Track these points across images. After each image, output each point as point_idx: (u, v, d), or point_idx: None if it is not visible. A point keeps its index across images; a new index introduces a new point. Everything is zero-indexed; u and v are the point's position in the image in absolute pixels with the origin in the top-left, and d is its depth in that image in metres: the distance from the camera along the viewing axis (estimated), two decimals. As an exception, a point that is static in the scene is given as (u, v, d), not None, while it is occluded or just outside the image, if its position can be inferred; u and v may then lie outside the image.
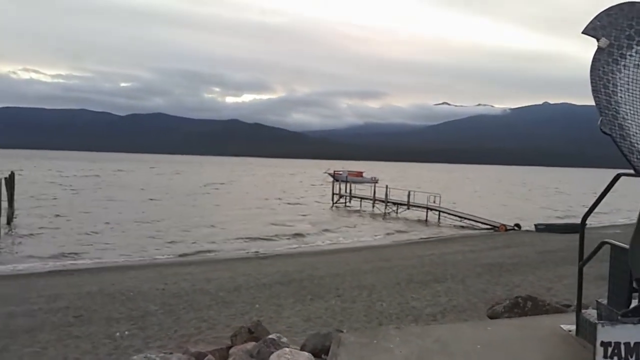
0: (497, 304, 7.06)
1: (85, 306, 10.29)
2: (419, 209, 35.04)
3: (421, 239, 26.11)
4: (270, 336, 4.87)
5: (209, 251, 21.28)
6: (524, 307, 6.63)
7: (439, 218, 33.33)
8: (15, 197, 28.56)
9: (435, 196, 34.22)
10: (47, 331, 8.53)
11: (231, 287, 12.27)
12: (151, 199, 43.60)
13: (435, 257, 17.27)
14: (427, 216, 33.83)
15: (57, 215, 30.99)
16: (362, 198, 41.39)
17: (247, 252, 21.00)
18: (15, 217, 27.67)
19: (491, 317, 6.68)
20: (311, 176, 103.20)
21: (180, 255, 20.02)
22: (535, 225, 28.26)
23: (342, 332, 5.24)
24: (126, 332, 8.28)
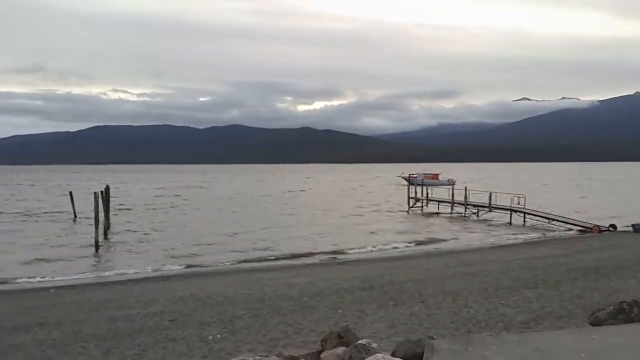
0: (599, 311, 6.57)
1: (179, 311, 10.88)
2: (502, 211, 33.54)
3: (506, 243, 24.95)
4: (360, 342, 4.87)
5: (277, 257, 21.69)
6: (630, 313, 6.13)
7: (524, 220, 31.70)
8: (111, 209, 30.88)
9: (519, 197, 32.60)
10: (146, 334, 9.12)
11: (313, 293, 12.43)
12: (234, 209, 45.18)
13: (523, 262, 16.43)
14: (511, 219, 32.29)
15: (151, 226, 33.05)
16: (439, 201, 40.36)
17: (326, 258, 21.17)
18: (111, 228, 29.90)
19: (593, 325, 6.24)
20: (385, 181, 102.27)
21: (257, 261, 20.60)
22: (634, 225, 26.02)
23: (433, 339, 5.13)
24: (218, 336, 8.65)
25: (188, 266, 19.92)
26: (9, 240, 27.06)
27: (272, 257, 21.60)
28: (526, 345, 4.55)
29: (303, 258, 21.31)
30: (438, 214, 38.58)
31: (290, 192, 69.17)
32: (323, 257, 21.32)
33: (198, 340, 8.51)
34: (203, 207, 46.22)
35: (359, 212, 40.49)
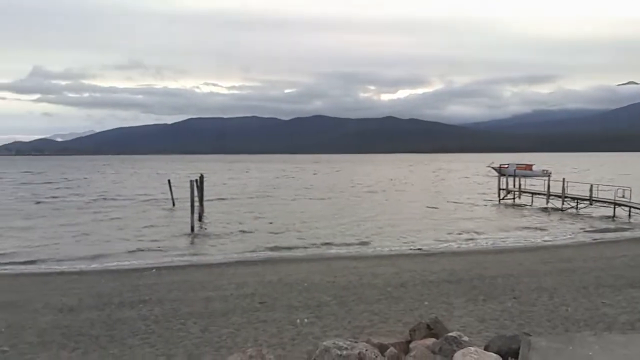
0: None
1: (268, 294, 11.33)
2: (605, 204, 30.98)
3: (609, 238, 23.04)
4: (450, 334, 4.77)
5: (362, 244, 21.68)
6: None
7: (629, 214, 29.07)
8: (205, 196, 32.68)
9: (624, 189, 29.90)
10: (239, 314, 9.60)
11: (398, 283, 12.35)
12: (325, 198, 45.71)
13: (629, 259, 15.10)
14: (614, 213, 29.74)
15: (242, 214, 34.60)
16: (533, 193, 38.12)
17: (411, 249, 20.89)
18: (204, 214, 31.67)
19: None
20: (473, 171, 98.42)
21: (340, 248, 20.79)
22: None
23: (529, 335, 4.90)
24: (305, 320, 8.91)
25: (275, 251, 20.63)
26: (116, 224, 29.63)
27: (356, 245, 21.71)
28: (634, 346, 4.21)
29: (387, 248, 21.19)
30: (531, 206, 36.48)
31: (377, 182, 68.43)
32: (407, 248, 21.06)
33: (287, 322, 8.81)
34: (292, 196, 47.33)
35: (447, 203, 39.36)
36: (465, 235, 24.21)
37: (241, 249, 21.32)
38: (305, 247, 21.47)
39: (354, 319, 9.09)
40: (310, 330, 8.37)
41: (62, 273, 16.80)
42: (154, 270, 16.48)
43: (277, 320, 9.04)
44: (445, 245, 21.75)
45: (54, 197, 47.24)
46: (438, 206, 37.39)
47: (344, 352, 3.90)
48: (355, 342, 4.35)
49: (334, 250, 20.71)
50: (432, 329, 5.23)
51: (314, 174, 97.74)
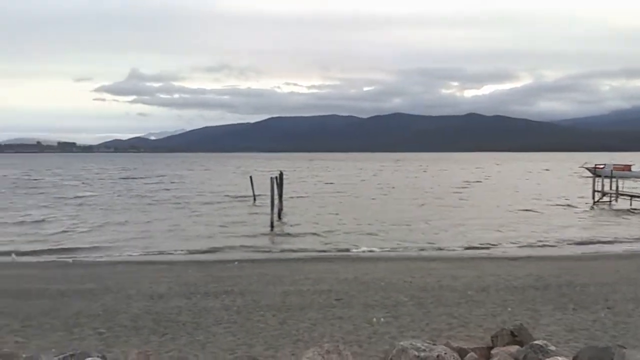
0: None
1: (344, 291, 11.39)
2: None
3: None
4: (536, 342, 4.52)
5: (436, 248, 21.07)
6: None
7: None
8: (284, 193, 33.50)
9: None
10: (315, 310, 9.75)
11: (479, 287, 11.90)
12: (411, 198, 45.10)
13: None
14: None
15: (320, 211, 35.10)
16: (632, 196, 35.01)
17: (495, 252, 20.04)
18: (284, 211, 32.48)
19: None
20: (565, 171, 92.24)
21: (418, 249, 20.38)
22: None
23: (624, 348, 4.52)
24: (382, 319, 8.86)
25: (351, 249, 20.69)
26: (202, 219, 31.28)
27: (435, 247, 21.21)
28: None
29: (468, 250, 20.50)
30: (631, 210, 33.53)
31: (461, 181, 65.57)
32: (491, 251, 20.23)
33: (363, 321, 8.82)
34: (373, 195, 47.11)
35: (536, 205, 37.12)
36: (553, 239, 22.80)
37: (318, 246, 21.62)
38: (382, 246, 21.33)
39: (431, 321, 8.90)
40: (386, 329, 8.31)
41: (152, 262, 18.01)
42: (236, 263, 17.18)
43: (353, 317, 9.07)
44: (532, 249, 20.63)
45: (148, 192, 50.71)
46: (527, 208, 35.35)
47: (422, 354, 3.83)
48: (434, 344, 4.26)
49: (411, 251, 20.39)
50: (516, 336, 4.99)
51: (395, 171, 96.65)
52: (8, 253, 20.19)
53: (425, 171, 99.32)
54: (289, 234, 25.44)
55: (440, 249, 20.85)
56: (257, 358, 4.98)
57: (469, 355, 4.46)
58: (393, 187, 55.37)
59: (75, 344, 7.54)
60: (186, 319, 9.21)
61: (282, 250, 21.00)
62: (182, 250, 20.81)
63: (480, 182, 65.14)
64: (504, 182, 64.88)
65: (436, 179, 73.19)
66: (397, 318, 9.02)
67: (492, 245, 21.53)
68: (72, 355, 4.10)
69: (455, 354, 4.32)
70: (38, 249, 21.36)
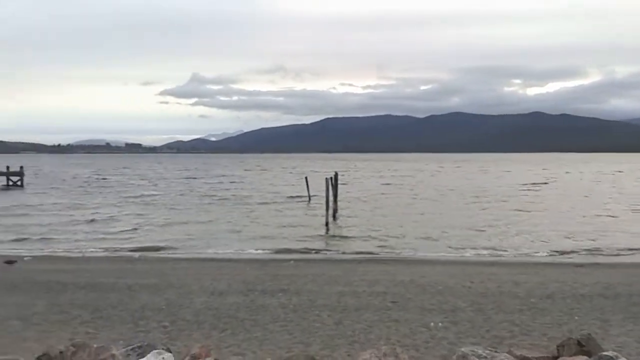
0: None
1: (400, 293, 11.27)
2: None
3: None
4: (606, 353, 4.29)
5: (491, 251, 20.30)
6: None
7: None
8: (339, 193, 33.57)
9: None
10: (371, 312, 9.71)
11: (543, 294, 11.40)
12: (472, 201, 43.90)
13: None
14: None
15: (377, 210, 34.93)
16: None
17: (560, 258, 19.13)
18: (339, 212, 32.55)
19: None
20: None
21: (476, 254, 19.77)
22: None
23: None
24: (440, 324, 8.69)
25: (406, 251, 20.43)
26: (259, 219, 31.96)
27: (495, 250, 20.54)
28: None
29: (530, 255, 19.69)
30: None
31: (528, 183, 62.44)
32: (556, 256, 19.32)
33: (419, 325, 8.68)
34: (433, 196, 46.24)
35: (609, 210, 34.81)
36: (625, 246, 21.45)
37: (373, 247, 21.50)
38: (439, 249, 20.91)
39: (492, 328, 8.63)
40: (444, 334, 8.14)
41: (212, 260, 18.63)
42: (291, 262, 17.42)
43: (410, 321, 8.95)
44: (601, 256, 19.50)
45: (209, 192, 52.40)
46: (600, 213, 33.29)
47: (483, 361, 3.72)
48: (496, 351, 4.15)
49: (470, 255, 19.84)
50: (583, 346, 4.75)
51: (454, 172, 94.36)
52: (79, 249, 21.56)
53: (486, 172, 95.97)
54: (343, 235, 25.46)
55: (500, 253, 20.15)
56: (314, 357, 5.02)
57: (532, 364, 4.27)
58: (451, 190, 53.99)
59: (141, 336, 7.93)
60: (244, 316, 9.44)
61: (337, 251, 21.07)
62: (239, 249, 21.36)
63: (547, 184, 61.98)
64: (573, 185, 61.28)
65: (499, 180, 70.31)
66: (456, 323, 8.81)
67: (557, 251, 20.55)
68: (139, 347, 4.31)
69: (518, 363, 4.16)
70: (107, 246, 22.64)
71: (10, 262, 15.73)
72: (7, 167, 64.24)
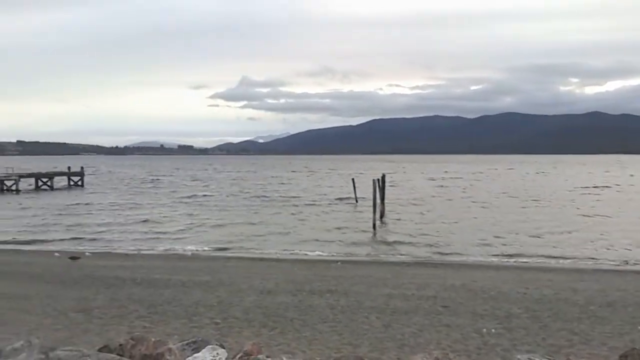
0: None
1: (450, 298, 11.02)
2: None
3: None
4: (677, 368, 4.01)
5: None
6: None
7: None
8: (386, 195, 33.27)
9: None
10: (421, 315, 9.55)
11: (603, 302, 10.84)
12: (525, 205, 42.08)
13: None
14: None
15: (427, 213, 34.41)
16: None
17: (620, 264, 18.14)
18: (386, 213, 32.25)
19: None
20: None
21: (532, 258, 19.02)
22: None
23: None
24: (493, 330, 8.42)
25: (456, 255, 19.97)
26: (308, 221, 32.18)
27: (550, 257, 19.70)
28: None
29: (590, 261, 18.77)
30: None
31: (591, 186, 59.00)
32: (618, 264, 18.32)
33: (471, 330, 8.46)
34: (483, 200, 44.93)
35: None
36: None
37: (421, 250, 21.19)
38: (492, 254, 20.31)
39: (548, 336, 8.28)
40: (497, 341, 7.89)
41: (261, 259, 18.94)
42: (339, 263, 17.43)
43: (461, 326, 8.73)
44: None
45: (258, 193, 53.27)
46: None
47: (541, 370, 3.58)
48: (554, 360, 3.94)
49: (525, 260, 19.15)
50: (651, 359, 4.46)
51: (508, 174, 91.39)
52: (135, 247, 22.49)
53: (544, 175, 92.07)
54: (391, 237, 25.21)
55: (558, 259, 19.30)
56: (363, 359, 4.98)
57: (596, 375, 4.05)
58: (504, 192, 52.30)
59: (194, 331, 8.15)
60: (293, 315, 9.52)
61: (385, 253, 20.90)
62: (287, 249, 21.59)
63: (610, 187, 58.67)
64: (638, 188, 57.67)
65: (558, 183, 67.16)
66: (510, 330, 8.51)
67: (621, 258, 19.46)
68: (194, 342, 4.42)
69: (580, 373, 3.96)
70: (161, 244, 23.48)
71: (74, 257, 16.61)
72: (69, 168, 67.97)
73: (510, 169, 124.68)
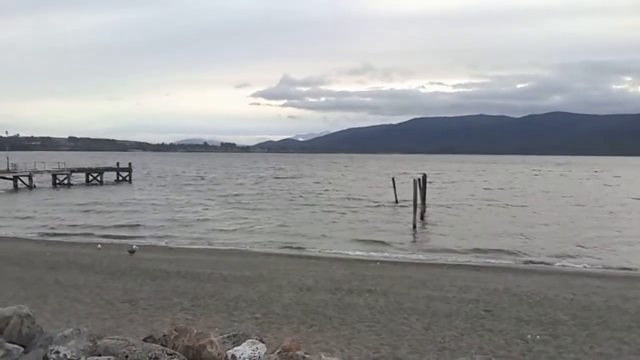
0: None
1: (493, 302, 10.73)
2: None
3: None
4: None
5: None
6: None
7: None
8: (428, 195, 32.78)
9: None
10: (462, 319, 9.34)
11: (657, 311, 10.28)
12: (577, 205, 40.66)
13: None
14: None
15: (469, 214, 33.72)
16: None
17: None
18: (426, 214, 31.79)
19: None
20: None
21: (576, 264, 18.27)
22: None
23: None
24: (537, 337, 8.14)
25: (499, 258, 19.46)
26: (348, 220, 32.15)
27: (599, 265, 18.88)
28: None
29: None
30: None
31: None
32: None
33: (515, 336, 8.21)
34: (528, 202, 43.63)
35: None
36: None
37: (462, 252, 20.77)
38: (537, 258, 19.66)
39: (596, 344, 7.93)
40: (542, 348, 7.61)
41: (300, 257, 19.06)
42: (378, 263, 17.31)
43: (504, 331, 8.48)
44: None
45: (301, 192, 53.67)
46: None
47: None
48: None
49: (572, 265, 18.45)
50: None
51: (560, 176, 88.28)
52: (177, 241, 23.10)
53: (597, 177, 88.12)
54: (431, 237, 24.88)
55: (608, 266, 18.48)
56: (403, 360, 4.93)
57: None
58: (546, 192, 50.50)
59: (235, 325, 8.29)
60: (332, 314, 9.52)
61: (424, 253, 20.61)
62: (327, 248, 21.64)
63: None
64: None
65: (614, 187, 63.97)
66: (556, 337, 8.20)
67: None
68: (234, 335, 4.49)
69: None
70: (202, 238, 24.05)
71: (131, 251, 17.25)
72: (117, 164, 70.62)
73: (560, 170, 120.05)
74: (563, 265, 18.39)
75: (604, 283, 14.30)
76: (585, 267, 18.17)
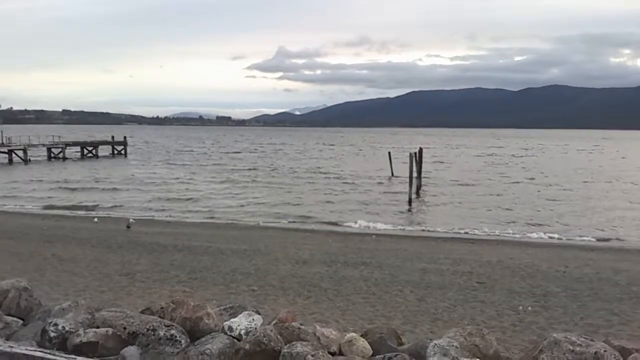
0: None
1: (486, 274, 10.90)
2: None
3: None
4: None
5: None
6: None
7: None
8: (423, 170, 32.85)
9: None
10: (455, 291, 9.51)
11: (647, 283, 10.48)
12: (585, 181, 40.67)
13: None
14: None
15: (464, 187, 33.90)
16: None
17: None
18: (422, 188, 31.92)
19: None
20: None
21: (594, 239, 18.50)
22: None
23: None
24: (529, 308, 8.32)
25: (494, 231, 19.67)
26: (344, 194, 32.27)
27: (596, 235, 19.14)
28: None
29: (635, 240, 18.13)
30: None
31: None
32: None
33: (507, 307, 8.38)
34: (528, 177, 43.78)
35: None
36: None
37: (457, 225, 20.92)
38: (530, 231, 19.87)
39: (587, 315, 8.11)
40: (534, 319, 7.79)
41: (296, 230, 19.20)
42: (373, 236, 17.47)
43: (496, 303, 8.65)
44: None
45: (299, 167, 53.60)
46: None
47: (577, 349, 3.53)
48: (592, 340, 3.88)
49: (566, 237, 18.68)
50: (696, 343, 4.31)
51: (563, 152, 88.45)
52: (174, 215, 23.19)
53: (601, 152, 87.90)
54: (427, 211, 25.06)
55: (603, 236, 18.75)
56: (396, 331, 5.01)
57: (632, 356, 3.96)
58: (541, 171, 50.73)
59: (232, 297, 8.42)
60: (327, 286, 9.67)
61: (420, 227, 20.79)
62: (323, 221, 21.77)
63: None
64: None
65: (616, 160, 63.82)
66: (547, 309, 8.38)
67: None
68: (231, 307, 4.56)
69: (617, 353, 3.88)
70: (202, 219, 24.15)
71: (129, 225, 17.32)
72: (112, 137, 70.13)
73: (558, 144, 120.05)
74: (557, 238, 18.60)
75: (597, 255, 14.52)
76: (579, 239, 18.40)
